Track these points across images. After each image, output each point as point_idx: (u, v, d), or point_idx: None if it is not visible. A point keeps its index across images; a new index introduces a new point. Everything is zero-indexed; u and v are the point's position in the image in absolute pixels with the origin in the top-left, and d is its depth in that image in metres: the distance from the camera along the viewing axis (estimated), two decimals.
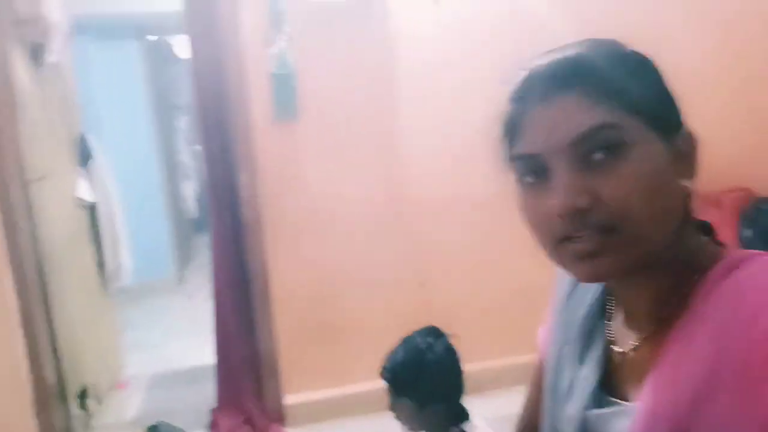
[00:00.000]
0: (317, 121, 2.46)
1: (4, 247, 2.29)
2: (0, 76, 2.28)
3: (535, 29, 2.43)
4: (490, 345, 2.72)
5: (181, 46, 5.36)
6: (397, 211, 2.60)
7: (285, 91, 2.36)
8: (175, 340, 3.77)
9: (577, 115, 0.59)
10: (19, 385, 2.39)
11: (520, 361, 2.75)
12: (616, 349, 0.70)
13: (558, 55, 0.62)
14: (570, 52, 0.62)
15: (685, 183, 0.63)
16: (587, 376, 0.71)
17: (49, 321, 2.47)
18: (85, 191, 2.83)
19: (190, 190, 5.50)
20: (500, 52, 2.49)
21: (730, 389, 0.54)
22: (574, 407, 0.71)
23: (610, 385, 0.70)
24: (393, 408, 1.48)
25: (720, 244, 0.68)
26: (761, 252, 0.61)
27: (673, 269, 0.64)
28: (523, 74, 0.64)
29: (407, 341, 1.50)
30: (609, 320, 0.73)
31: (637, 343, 0.67)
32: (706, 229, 0.69)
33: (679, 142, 0.62)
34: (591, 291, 0.76)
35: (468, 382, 1.54)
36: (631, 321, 0.70)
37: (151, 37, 4.93)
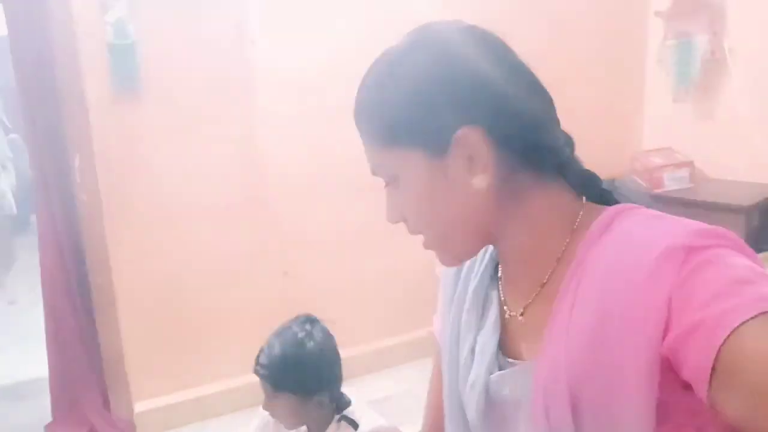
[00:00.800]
0: (162, 97, 2.25)
1: None
2: None
3: (394, 6, 2.44)
4: (360, 330, 2.71)
5: None
6: (255, 194, 2.47)
7: (124, 63, 2.13)
8: None
9: (366, 152, 0.70)
10: None
11: (389, 344, 2.79)
12: (509, 312, 0.73)
13: (356, 93, 0.70)
14: (356, 94, 0.70)
15: (478, 178, 0.64)
16: (486, 341, 0.73)
17: None
18: None
19: (7, 184, 4.81)
20: (359, 29, 2.47)
21: (617, 331, 0.57)
22: (476, 373, 0.73)
23: (508, 347, 0.72)
24: (271, 406, 1.38)
25: (604, 196, 0.70)
26: (634, 206, 0.66)
27: (531, 234, 0.67)
28: None
29: (283, 332, 1.42)
30: (501, 285, 0.76)
31: (527, 303, 0.70)
32: (591, 184, 0.70)
33: (453, 150, 0.63)
34: (480, 260, 0.78)
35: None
36: (518, 283, 0.72)
37: None
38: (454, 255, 0.72)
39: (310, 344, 1.39)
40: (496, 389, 0.70)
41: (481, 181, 0.64)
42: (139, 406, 2.41)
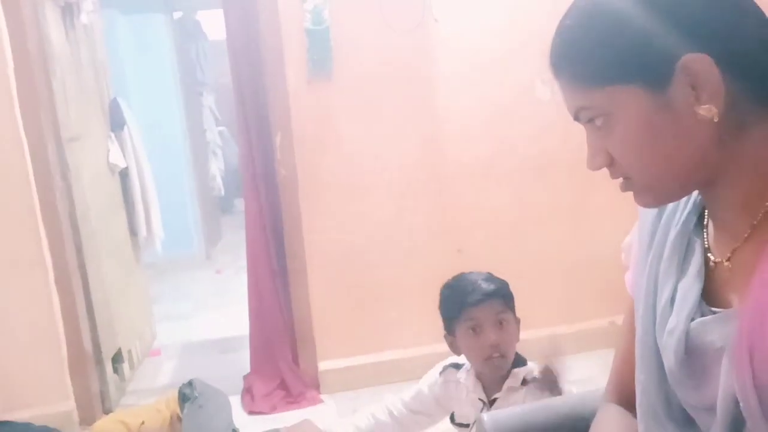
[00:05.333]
0: (351, 78, 2.40)
1: (37, 204, 2.28)
2: (34, 35, 2.26)
3: None
4: (531, 315, 2.64)
5: (209, 24, 5.32)
6: (435, 173, 2.53)
7: (320, 46, 2.31)
8: (205, 313, 3.76)
9: (567, 95, 0.68)
10: (55, 345, 2.38)
11: (562, 332, 2.69)
12: (714, 258, 0.69)
13: (554, 36, 0.68)
14: (556, 37, 0.68)
15: (705, 108, 0.60)
16: (689, 287, 0.70)
17: (85, 283, 2.46)
18: (117, 156, 2.81)
19: (217, 168, 5.47)
20: (539, 11, 2.40)
21: None
22: (675, 320, 0.69)
23: (712, 296, 0.68)
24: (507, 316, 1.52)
25: None
26: None
27: (753, 174, 0.63)
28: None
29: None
30: (705, 231, 0.72)
31: (736, 247, 0.66)
32: None
33: (676, 79, 0.60)
34: (682, 207, 0.75)
35: None
36: (724, 229, 0.68)
37: (177, 14, 4.90)
38: (659, 195, 0.69)
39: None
40: (698, 336, 0.66)
41: (708, 111, 0.60)
42: (323, 365, 2.60)
